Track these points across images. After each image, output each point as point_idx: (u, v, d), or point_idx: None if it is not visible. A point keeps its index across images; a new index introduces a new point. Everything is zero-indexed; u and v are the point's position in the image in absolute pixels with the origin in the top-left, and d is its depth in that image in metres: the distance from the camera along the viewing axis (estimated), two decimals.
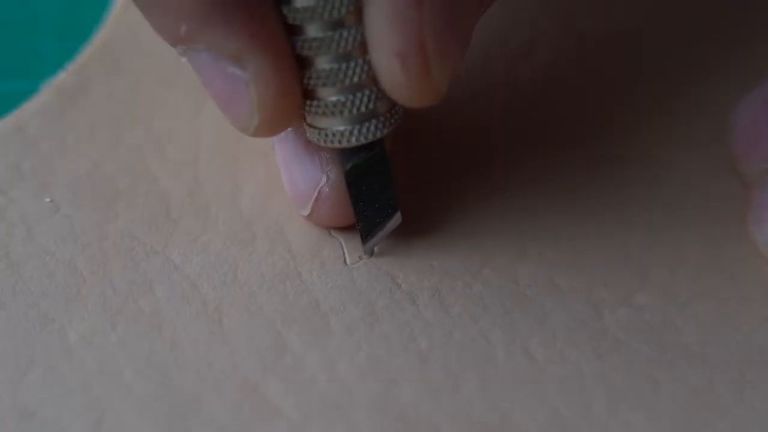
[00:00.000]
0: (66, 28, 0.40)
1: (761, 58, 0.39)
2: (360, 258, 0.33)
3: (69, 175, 0.35)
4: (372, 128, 0.30)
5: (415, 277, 0.33)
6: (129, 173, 0.35)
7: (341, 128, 0.30)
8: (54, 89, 0.37)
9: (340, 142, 0.30)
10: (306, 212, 0.33)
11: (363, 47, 0.29)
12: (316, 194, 0.32)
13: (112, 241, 0.33)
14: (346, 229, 0.34)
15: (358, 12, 0.29)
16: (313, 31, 0.29)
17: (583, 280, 0.33)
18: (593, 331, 0.32)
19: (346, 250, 0.33)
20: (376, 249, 0.33)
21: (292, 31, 0.29)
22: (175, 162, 0.36)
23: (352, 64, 0.29)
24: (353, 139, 0.30)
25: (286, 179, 0.33)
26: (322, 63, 0.29)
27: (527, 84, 0.38)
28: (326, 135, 0.30)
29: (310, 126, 0.31)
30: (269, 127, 0.30)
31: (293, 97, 0.30)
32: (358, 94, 0.30)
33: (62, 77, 0.38)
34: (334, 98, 0.30)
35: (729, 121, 0.35)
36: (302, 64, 0.30)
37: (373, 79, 0.29)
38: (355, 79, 0.29)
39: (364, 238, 0.33)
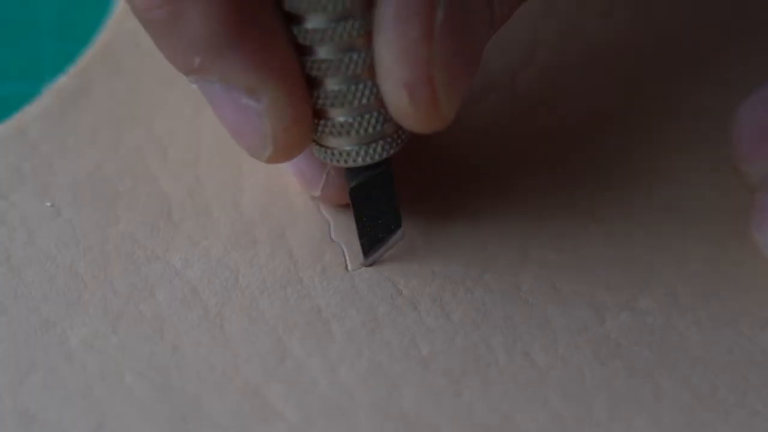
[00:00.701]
0: (67, 31, 0.41)
1: (764, 60, 0.39)
2: (362, 264, 0.33)
3: (70, 176, 0.35)
4: (379, 149, 0.31)
5: (417, 283, 0.33)
6: (130, 174, 0.35)
7: (348, 148, 0.31)
8: (55, 92, 0.37)
9: (346, 161, 0.31)
10: (317, 194, 0.33)
11: (372, 70, 0.29)
12: (324, 178, 0.33)
13: (113, 245, 0.33)
14: (347, 234, 0.34)
15: (369, 35, 0.29)
16: (323, 52, 0.29)
17: (584, 285, 0.33)
18: (595, 335, 0.32)
19: (347, 256, 0.34)
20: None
21: (303, 51, 0.29)
22: (177, 163, 0.36)
23: (361, 87, 0.30)
24: (359, 160, 0.31)
25: (291, 168, 0.33)
26: (332, 84, 0.30)
27: (528, 88, 0.38)
28: (333, 154, 0.31)
29: (318, 144, 0.31)
30: (283, 155, 0.30)
31: (306, 125, 0.30)
32: (366, 116, 0.30)
33: (63, 80, 0.38)
34: (342, 119, 0.30)
35: (732, 123, 0.35)
36: (311, 83, 0.30)
37: (382, 101, 0.30)
38: (364, 101, 0.30)
39: (366, 252, 0.33)
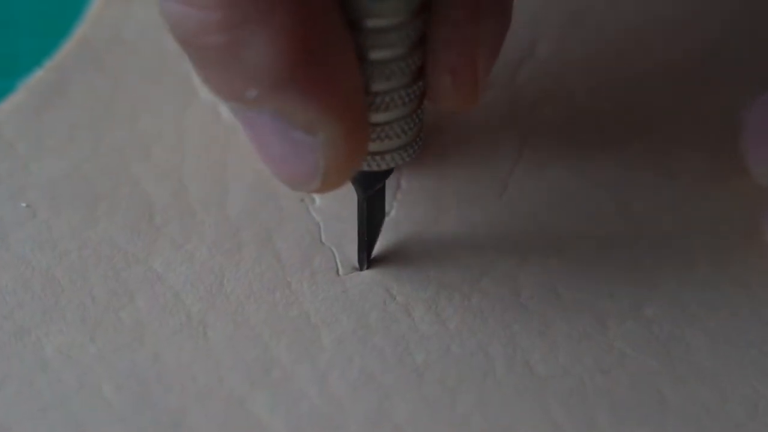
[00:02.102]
0: (43, 23, 0.40)
1: None
2: (353, 268, 0.33)
3: (46, 178, 0.35)
4: (413, 150, 0.31)
5: (411, 289, 0.33)
6: (110, 176, 0.35)
7: (385, 150, 0.31)
8: (31, 88, 0.37)
9: (379, 165, 0.31)
10: (317, 183, 0.30)
11: (420, 70, 0.30)
12: (316, 168, 0.30)
13: (92, 248, 0.33)
14: (338, 237, 0.34)
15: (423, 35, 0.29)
16: (380, 54, 0.29)
17: (587, 291, 0.33)
18: (598, 344, 0.32)
19: (338, 260, 0.34)
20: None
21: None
22: (159, 163, 0.36)
23: (413, 88, 0.30)
24: (392, 162, 0.31)
25: (275, 168, 0.31)
26: (380, 86, 0.29)
27: (527, 85, 0.38)
28: (373, 159, 0.31)
29: None
30: (330, 189, 0.30)
31: (361, 159, 0.29)
32: (408, 118, 0.30)
33: (39, 75, 0.38)
34: (384, 121, 0.30)
35: (740, 122, 0.35)
36: None
37: (421, 100, 0.30)
38: (409, 103, 0.30)
39: (364, 263, 0.33)
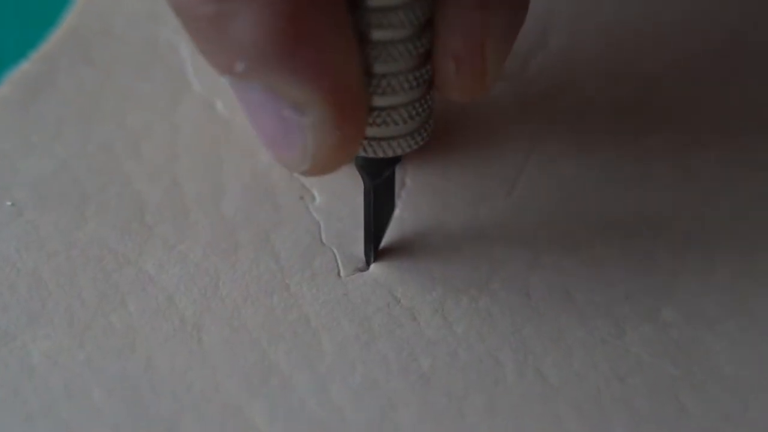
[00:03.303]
0: (29, 12, 0.41)
1: None
2: (356, 269, 0.33)
3: (33, 175, 0.35)
4: (421, 136, 0.31)
5: (416, 291, 0.33)
6: (99, 174, 0.35)
7: (389, 136, 0.31)
8: (16, 81, 0.37)
9: (385, 152, 0.31)
10: (307, 165, 0.30)
11: (428, 54, 0.30)
12: (304, 149, 0.30)
13: (81, 249, 0.33)
14: (339, 237, 0.34)
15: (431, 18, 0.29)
16: (384, 35, 0.29)
17: (601, 293, 0.33)
18: (613, 349, 0.32)
19: (339, 261, 0.33)
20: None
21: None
22: (151, 160, 0.36)
23: (419, 72, 0.30)
24: (399, 149, 0.31)
25: (266, 145, 0.31)
26: (383, 69, 0.29)
27: (538, 78, 0.38)
28: (379, 145, 0.31)
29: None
30: (321, 172, 0.30)
31: (355, 146, 0.29)
32: (415, 103, 0.30)
33: (25, 67, 0.38)
34: (388, 106, 0.30)
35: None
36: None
37: (429, 84, 0.30)
38: (416, 87, 0.30)
39: (371, 257, 0.33)
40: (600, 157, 0.36)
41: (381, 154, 0.31)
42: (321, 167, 0.29)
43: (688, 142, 0.37)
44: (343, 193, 0.35)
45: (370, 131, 0.30)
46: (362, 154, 0.31)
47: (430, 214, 0.35)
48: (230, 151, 0.36)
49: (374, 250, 0.33)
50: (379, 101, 0.30)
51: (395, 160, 0.32)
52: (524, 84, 0.38)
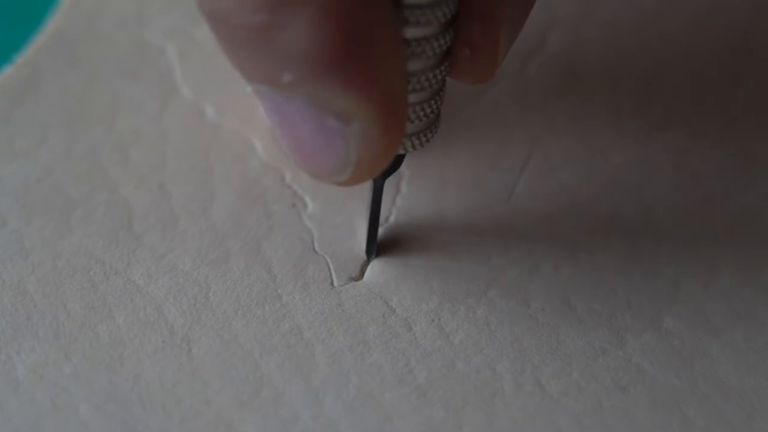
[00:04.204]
0: (13, 14, 0.41)
1: None
2: (350, 279, 0.33)
3: (16, 183, 0.35)
4: (431, 133, 0.31)
5: (412, 301, 0.33)
6: (86, 181, 0.35)
7: (416, 131, 0.31)
8: (0, 85, 0.37)
9: (422, 145, 0.31)
10: (347, 176, 0.30)
11: (449, 50, 0.30)
12: (346, 159, 0.29)
13: (66, 259, 0.33)
14: (333, 246, 0.34)
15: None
16: (412, 33, 0.29)
17: (602, 301, 0.33)
18: (614, 359, 0.32)
19: (333, 270, 0.34)
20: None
21: None
22: (139, 168, 0.36)
23: (442, 68, 0.30)
24: (418, 144, 0.31)
25: (301, 157, 0.30)
26: (411, 66, 0.30)
27: (538, 79, 0.38)
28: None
29: None
30: (359, 181, 0.29)
31: (395, 151, 0.29)
32: (436, 98, 0.31)
33: (9, 71, 0.38)
34: (413, 102, 0.30)
35: None
36: None
37: (444, 80, 0.30)
38: (436, 83, 0.30)
39: (371, 243, 0.34)
40: (601, 161, 0.36)
41: (401, 151, 0.31)
42: (363, 175, 0.29)
43: (692, 145, 0.37)
44: (336, 201, 0.35)
45: None
46: None
47: (426, 220, 0.35)
48: (220, 157, 0.36)
49: (374, 239, 0.34)
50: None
51: (402, 158, 0.32)
52: (523, 85, 0.38)
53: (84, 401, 0.31)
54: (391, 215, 0.35)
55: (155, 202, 0.35)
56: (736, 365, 0.32)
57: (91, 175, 0.35)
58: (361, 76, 0.27)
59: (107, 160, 0.36)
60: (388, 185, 0.33)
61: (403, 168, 0.35)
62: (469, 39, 0.30)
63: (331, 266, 0.34)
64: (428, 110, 0.31)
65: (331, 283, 0.33)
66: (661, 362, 0.32)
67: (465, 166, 0.36)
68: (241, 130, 0.36)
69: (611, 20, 0.40)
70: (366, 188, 0.33)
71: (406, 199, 0.35)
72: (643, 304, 0.33)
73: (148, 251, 0.34)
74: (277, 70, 0.27)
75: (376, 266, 0.34)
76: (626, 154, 0.37)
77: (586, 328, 0.33)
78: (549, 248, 0.34)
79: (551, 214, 0.35)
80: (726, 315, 0.33)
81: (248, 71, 0.28)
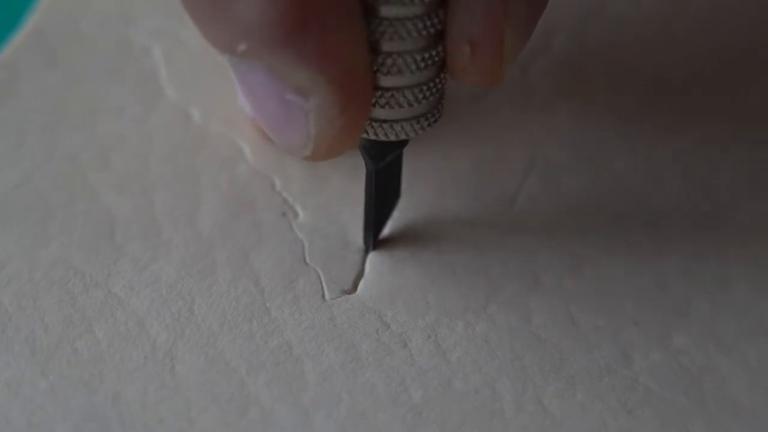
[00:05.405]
0: None
1: None
2: (342, 292, 0.33)
3: None
4: (428, 121, 0.31)
5: (407, 316, 0.33)
6: (65, 188, 0.35)
7: (397, 119, 0.31)
8: None
9: (398, 135, 0.31)
10: (309, 151, 0.30)
11: (440, 34, 0.30)
12: (307, 134, 0.30)
13: (44, 270, 0.33)
14: (324, 257, 0.34)
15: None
16: (391, 11, 0.29)
17: (607, 317, 0.33)
18: (620, 378, 0.32)
19: (324, 283, 0.33)
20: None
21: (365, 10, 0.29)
22: (121, 174, 0.36)
23: (430, 52, 0.30)
24: (410, 132, 0.31)
25: (267, 128, 0.31)
26: (392, 47, 0.29)
27: (541, 83, 0.38)
28: (381, 127, 0.31)
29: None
30: (323, 158, 0.30)
31: (358, 132, 0.30)
32: (423, 85, 0.30)
33: None
34: (396, 87, 0.30)
35: None
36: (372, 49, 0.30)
37: (440, 68, 0.30)
38: (426, 68, 0.30)
39: (367, 234, 0.34)
40: (606, 169, 0.36)
41: (384, 137, 0.31)
42: (324, 152, 0.30)
43: (700, 152, 0.37)
44: (328, 210, 0.35)
45: (375, 112, 0.31)
46: (365, 135, 0.31)
47: (422, 231, 0.35)
48: (207, 163, 0.36)
49: (374, 238, 0.34)
50: (384, 81, 0.30)
51: (400, 144, 0.32)
52: (525, 90, 0.38)
53: (61, 420, 0.31)
54: (386, 226, 0.34)
55: (138, 209, 0.35)
56: (749, 385, 0.32)
57: (71, 181, 0.35)
58: (315, 49, 0.28)
59: (88, 166, 0.36)
60: None
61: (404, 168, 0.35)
62: (468, 35, 0.30)
63: (323, 279, 0.34)
64: (411, 97, 0.30)
65: (323, 297, 0.33)
66: (670, 382, 0.32)
67: (463, 174, 0.36)
68: (229, 134, 0.36)
69: (616, 22, 0.40)
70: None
71: (401, 208, 0.35)
72: (650, 321, 0.33)
73: (130, 262, 0.34)
74: (233, 39, 0.28)
75: (369, 279, 0.34)
76: (632, 161, 0.37)
77: (590, 345, 0.32)
78: (551, 260, 0.34)
79: (553, 224, 0.35)
80: (738, 332, 0.33)
81: (209, 38, 0.29)
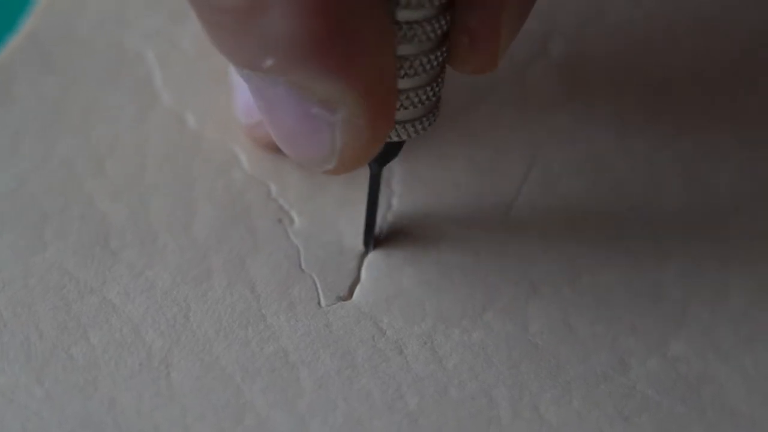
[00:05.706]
0: None
1: None
2: (338, 298, 0.33)
3: None
4: (429, 120, 0.31)
5: (403, 322, 0.33)
6: (60, 193, 0.35)
7: (406, 120, 0.31)
8: None
9: (399, 136, 0.31)
10: (332, 164, 0.30)
11: (446, 35, 0.30)
12: (332, 147, 0.30)
13: (39, 276, 0.33)
14: (320, 263, 0.34)
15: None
16: (406, 15, 0.29)
17: (605, 324, 0.33)
18: (617, 386, 0.32)
19: (320, 289, 0.34)
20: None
21: None
22: (116, 178, 0.36)
23: (437, 53, 0.30)
24: (412, 132, 0.31)
25: (287, 145, 0.31)
26: (405, 50, 0.29)
27: (539, 87, 0.38)
28: (396, 129, 0.31)
29: None
30: (346, 170, 0.30)
31: (383, 141, 0.29)
32: (432, 85, 0.30)
33: None
34: (406, 87, 0.30)
35: None
36: None
37: (444, 66, 0.30)
38: (432, 69, 0.30)
39: (368, 235, 0.34)
40: (605, 174, 0.36)
41: (396, 138, 0.31)
42: (349, 164, 0.29)
43: (700, 153, 0.37)
44: (324, 216, 0.35)
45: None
46: None
47: (418, 237, 0.35)
48: (202, 169, 0.36)
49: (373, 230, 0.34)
50: (402, 84, 0.30)
51: (401, 145, 0.32)
52: (523, 93, 0.38)
53: (56, 427, 0.31)
54: (382, 231, 0.34)
55: (133, 215, 0.35)
56: (747, 392, 0.32)
57: (66, 186, 0.35)
58: (345, 62, 0.27)
59: (83, 171, 0.36)
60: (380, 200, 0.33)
61: (395, 181, 0.35)
62: (467, 26, 0.30)
63: (319, 285, 0.34)
64: (423, 96, 0.30)
65: (318, 303, 0.33)
66: (667, 389, 0.32)
67: (461, 179, 0.36)
68: (225, 139, 0.36)
69: (615, 25, 0.40)
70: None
71: (397, 214, 0.35)
72: (648, 328, 0.33)
73: (125, 268, 0.34)
74: (258, 55, 0.27)
75: (365, 285, 0.34)
76: (632, 162, 0.37)
77: (587, 352, 0.32)
78: (548, 267, 0.34)
79: (551, 230, 0.35)
80: (736, 339, 0.33)
81: (231, 55, 0.28)
